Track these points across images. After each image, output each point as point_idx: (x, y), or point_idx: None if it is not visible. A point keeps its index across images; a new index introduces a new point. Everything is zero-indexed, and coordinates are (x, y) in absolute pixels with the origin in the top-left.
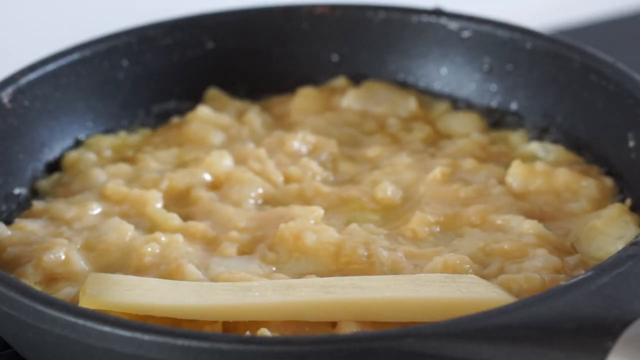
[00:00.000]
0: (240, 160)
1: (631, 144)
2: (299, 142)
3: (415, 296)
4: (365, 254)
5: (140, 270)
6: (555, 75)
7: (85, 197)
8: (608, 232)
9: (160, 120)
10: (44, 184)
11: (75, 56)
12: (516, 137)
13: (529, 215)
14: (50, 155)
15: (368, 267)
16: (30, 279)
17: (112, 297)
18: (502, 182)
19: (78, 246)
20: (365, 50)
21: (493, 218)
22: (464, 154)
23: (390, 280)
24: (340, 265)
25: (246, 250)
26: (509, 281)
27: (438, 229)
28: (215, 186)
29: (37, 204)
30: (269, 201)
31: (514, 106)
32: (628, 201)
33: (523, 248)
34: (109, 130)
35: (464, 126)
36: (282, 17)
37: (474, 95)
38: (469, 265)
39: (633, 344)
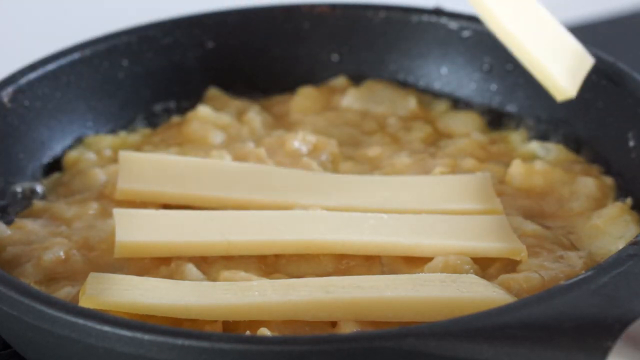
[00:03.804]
0: (240, 160)
1: (631, 143)
2: (299, 141)
3: (415, 296)
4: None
5: (140, 270)
6: None
7: (85, 197)
8: (608, 231)
9: (160, 119)
10: (44, 183)
11: (75, 56)
12: (516, 137)
13: (529, 214)
14: (50, 155)
15: (368, 267)
16: (30, 279)
17: (112, 297)
18: (502, 181)
19: (78, 246)
20: (365, 50)
21: None
22: (464, 154)
23: (390, 280)
24: (341, 265)
25: None
26: (508, 281)
27: None
28: None
29: (37, 204)
30: None
31: (514, 106)
32: (628, 200)
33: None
34: (109, 130)
35: (464, 126)
36: (282, 17)
37: (474, 95)
38: (469, 266)
39: (633, 344)
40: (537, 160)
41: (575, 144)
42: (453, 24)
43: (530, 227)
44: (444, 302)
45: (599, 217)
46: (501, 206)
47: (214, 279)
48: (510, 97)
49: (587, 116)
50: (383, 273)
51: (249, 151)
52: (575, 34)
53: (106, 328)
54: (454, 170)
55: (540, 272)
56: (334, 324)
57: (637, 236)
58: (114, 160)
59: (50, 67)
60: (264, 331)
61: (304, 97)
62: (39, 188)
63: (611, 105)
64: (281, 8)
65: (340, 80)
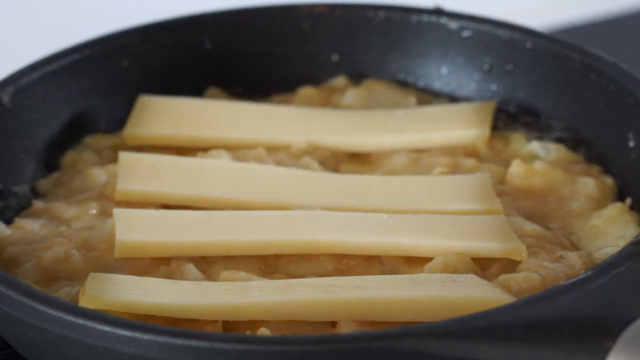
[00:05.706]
0: (239, 160)
1: (631, 143)
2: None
3: (415, 296)
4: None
5: (140, 270)
6: (555, 74)
7: (85, 197)
8: (608, 231)
9: None
10: (44, 183)
11: (75, 56)
12: (516, 137)
13: (530, 214)
14: (50, 155)
15: (368, 267)
16: (30, 279)
17: (112, 297)
18: (502, 181)
19: (78, 246)
20: (365, 50)
21: None
22: (464, 154)
23: (390, 280)
24: (341, 265)
25: None
26: (508, 281)
27: None
28: None
29: (37, 204)
30: None
31: (514, 106)
32: (628, 200)
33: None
34: (109, 130)
35: None
36: (282, 17)
37: (474, 95)
38: (469, 266)
39: (633, 344)
40: (537, 160)
41: (575, 144)
42: (453, 24)
43: (530, 227)
44: (444, 302)
45: (599, 217)
46: (501, 206)
47: (214, 279)
48: (510, 97)
49: (587, 116)
50: (383, 273)
51: (248, 151)
52: (575, 34)
53: (106, 328)
54: (454, 170)
55: (540, 272)
56: (334, 324)
57: (637, 236)
58: (114, 160)
59: (50, 67)
60: (264, 331)
61: (304, 97)
62: (39, 188)
63: (611, 105)
64: (281, 8)
65: (340, 80)
